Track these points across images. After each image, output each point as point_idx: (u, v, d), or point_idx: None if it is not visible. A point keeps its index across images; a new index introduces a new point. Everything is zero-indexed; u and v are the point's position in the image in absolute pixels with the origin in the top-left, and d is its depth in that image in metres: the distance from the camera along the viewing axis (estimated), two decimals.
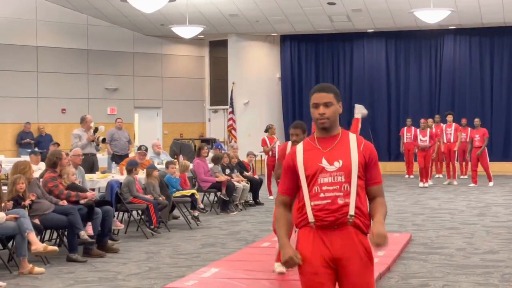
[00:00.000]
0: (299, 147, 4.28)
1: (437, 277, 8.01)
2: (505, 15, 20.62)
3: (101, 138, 14.49)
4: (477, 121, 19.15)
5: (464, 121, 20.18)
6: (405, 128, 20.60)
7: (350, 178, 4.08)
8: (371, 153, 4.20)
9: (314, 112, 4.19)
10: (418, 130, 19.08)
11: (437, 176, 20.75)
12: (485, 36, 22.57)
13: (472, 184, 18.53)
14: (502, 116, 22.18)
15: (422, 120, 18.92)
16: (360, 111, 11.07)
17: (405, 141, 20.58)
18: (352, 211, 4.06)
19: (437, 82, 23.26)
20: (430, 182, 19.09)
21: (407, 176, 20.83)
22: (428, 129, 18.61)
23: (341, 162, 4.10)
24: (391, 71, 23.52)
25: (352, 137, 4.23)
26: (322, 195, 4.08)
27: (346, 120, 18.26)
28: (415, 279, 7.88)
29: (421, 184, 18.38)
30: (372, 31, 23.00)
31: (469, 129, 19.82)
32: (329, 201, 4.06)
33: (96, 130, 14.25)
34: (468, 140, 19.96)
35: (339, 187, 4.09)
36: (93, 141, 14.04)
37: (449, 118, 19.76)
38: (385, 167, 22.24)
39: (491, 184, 18.50)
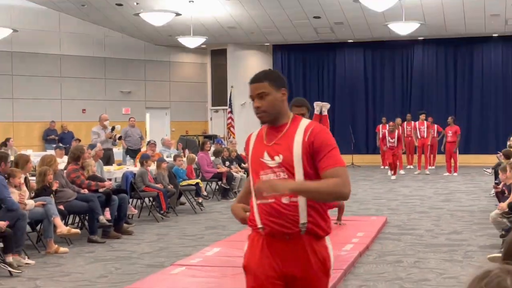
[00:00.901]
0: (253, 137, 3.49)
1: (409, 254, 8.03)
2: (467, 27, 20.65)
3: (117, 136, 14.58)
4: (450, 119, 19.19)
5: (430, 119, 20.34)
6: (381, 125, 20.60)
7: (293, 174, 3.22)
8: (316, 139, 3.24)
9: (252, 105, 3.37)
10: (386, 132, 18.76)
11: (408, 167, 20.77)
12: (449, 46, 22.61)
13: (447, 173, 18.56)
14: (463, 116, 22.21)
15: (390, 123, 18.57)
16: (326, 107, 10.79)
17: (380, 136, 20.58)
18: (303, 218, 3.19)
19: (408, 85, 23.30)
20: (402, 172, 19.12)
21: (382, 167, 20.84)
22: (396, 131, 18.30)
23: (281, 156, 3.25)
24: (369, 76, 23.54)
25: (302, 126, 3.32)
26: (265, 193, 3.19)
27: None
28: (390, 256, 7.89)
29: (392, 177, 17.90)
30: (352, 41, 22.98)
31: (436, 126, 20.04)
32: (273, 200, 3.21)
33: (113, 128, 14.38)
34: (436, 135, 20.07)
35: None
36: (110, 138, 14.18)
37: (422, 117, 19.83)
38: (363, 159, 22.33)
39: (455, 174, 18.55)
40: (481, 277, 1.43)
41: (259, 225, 3.26)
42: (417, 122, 20.10)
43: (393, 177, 17.82)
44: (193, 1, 18.31)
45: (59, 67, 20.98)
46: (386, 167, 20.76)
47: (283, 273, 3.24)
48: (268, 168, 3.27)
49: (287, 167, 3.22)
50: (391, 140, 18.22)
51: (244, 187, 3.59)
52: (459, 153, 19.57)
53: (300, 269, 3.24)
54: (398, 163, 18.45)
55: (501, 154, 13.08)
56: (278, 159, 3.25)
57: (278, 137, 3.30)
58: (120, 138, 14.92)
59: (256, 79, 3.34)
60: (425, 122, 19.78)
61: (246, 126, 22.09)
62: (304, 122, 3.33)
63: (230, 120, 23.02)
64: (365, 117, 23.32)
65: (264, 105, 3.28)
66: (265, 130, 3.40)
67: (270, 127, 3.37)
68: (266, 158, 3.28)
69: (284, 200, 3.18)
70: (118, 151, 16.15)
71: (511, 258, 2.23)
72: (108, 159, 13.77)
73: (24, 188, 8.40)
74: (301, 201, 3.19)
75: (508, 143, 15.43)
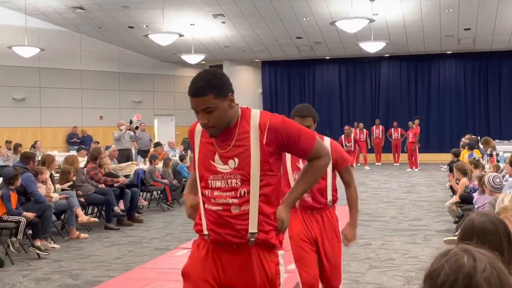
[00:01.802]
0: (199, 130, 2.68)
1: (377, 237, 8.06)
2: (425, 46, 20.71)
3: (134, 126, 15.09)
4: (410, 123, 19.34)
5: (395, 123, 20.44)
6: (352, 129, 20.68)
7: (248, 181, 2.51)
8: (280, 129, 2.53)
9: (197, 117, 2.55)
10: (343, 136, 16.38)
11: (377, 164, 20.81)
12: (410, 61, 22.62)
13: (409, 169, 18.62)
14: (423, 121, 22.20)
15: (346, 127, 16.38)
16: None
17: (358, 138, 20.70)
18: (253, 227, 2.51)
19: (376, 95, 23.30)
20: (367, 167, 19.19)
21: (354, 164, 20.83)
22: (352, 135, 16.41)
23: (236, 161, 2.52)
24: (343, 87, 23.53)
25: (254, 122, 2.56)
26: (213, 201, 2.56)
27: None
28: (361, 240, 7.88)
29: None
30: (329, 58, 22.99)
31: (399, 129, 20.14)
32: (221, 208, 2.54)
33: (131, 122, 15.03)
34: (399, 137, 20.18)
35: (234, 193, 2.52)
36: (130, 129, 14.75)
37: (416, 122, 19.65)
38: None
39: (416, 170, 18.61)
40: (443, 255, 1.44)
41: (205, 232, 2.61)
42: (392, 128, 20.35)
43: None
44: (194, 24, 18.34)
45: (80, 80, 20.91)
46: (359, 164, 20.78)
47: (223, 284, 2.60)
48: (218, 174, 2.55)
49: (243, 173, 2.52)
50: (347, 144, 16.01)
51: (191, 181, 2.85)
52: (420, 152, 19.67)
53: (242, 283, 2.58)
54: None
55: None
56: (233, 164, 2.52)
57: (231, 139, 2.55)
58: (137, 128, 15.46)
59: (198, 93, 2.46)
60: (399, 129, 19.88)
61: None
62: (256, 116, 2.58)
63: None
64: (340, 122, 23.28)
65: (212, 120, 2.49)
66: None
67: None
68: (218, 162, 2.55)
69: (234, 209, 2.52)
70: (132, 151, 16.19)
71: (467, 240, 2.27)
72: (126, 158, 13.98)
73: (49, 183, 8.38)
74: (253, 209, 2.51)
75: (460, 143, 15.49)
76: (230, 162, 2.54)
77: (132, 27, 19.02)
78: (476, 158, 10.96)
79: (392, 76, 22.99)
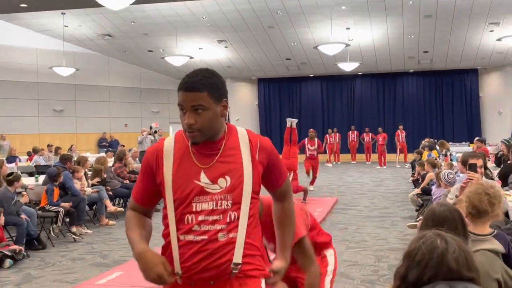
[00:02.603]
0: (169, 147, 1.85)
1: (353, 223, 8.05)
2: (392, 65, 20.75)
3: (153, 131, 15.30)
4: (380, 129, 19.56)
5: (367, 129, 20.48)
6: (327, 135, 20.88)
7: (240, 203, 1.79)
8: (270, 153, 1.90)
9: (181, 118, 1.81)
10: (306, 139, 12.15)
11: (352, 162, 20.81)
12: (379, 78, 22.63)
13: (378, 167, 18.62)
14: (389, 127, 22.23)
15: (310, 130, 12.45)
16: (294, 122, 10.49)
17: (328, 142, 20.71)
18: (238, 257, 1.78)
19: (351, 106, 23.25)
20: (329, 165, 19.16)
21: (329, 164, 20.74)
22: (316, 139, 12.17)
23: (228, 179, 1.79)
24: (324, 100, 23.49)
25: (243, 138, 1.87)
26: (196, 228, 1.77)
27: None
28: (339, 225, 7.90)
29: (310, 187, 11.95)
30: (313, 75, 22.99)
31: (370, 134, 20.21)
32: (206, 237, 1.75)
33: (151, 127, 15.28)
34: (370, 140, 20.23)
35: (222, 217, 1.78)
36: (150, 134, 14.85)
37: (400, 127, 19.64)
38: (320, 158, 22.18)
39: (385, 167, 18.62)
40: (419, 238, 1.44)
41: (177, 270, 1.79)
42: (371, 134, 20.32)
43: (311, 187, 12.07)
44: (202, 48, 18.33)
45: (108, 95, 20.88)
46: (334, 162, 20.75)
47: None
48: (207, 195, 1.77)
49: (235, 194, 1.78)
50: (310, 148, 12.04)
51: (135, 220, 1.96)
52: (388, 153, 19.68)
53: None
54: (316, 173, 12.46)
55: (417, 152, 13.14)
56: (224, 183, 1.78)
57: (215, 153, 1.81)
58: (155, 132, 15.58)
59: (193, 87, 1.77)
60: (381, 135, 19.71)
61: None
62: (243, 132, 1.89)
63: None
64: (321, 130, 23.29)
65: (200, 122, 1.76)
66: (186, 145, 1.85)
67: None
68: (205, 181, 1.77)
69: (222, 237, 1.76)
70: None
71: (429, 225, 2.27)
72: None
73: (84, 180, 8.35)
74: (240, 236, 1.78)
75: (420, 145, 15.52)
76: (221, 180, 1.78)
77: (151, 51, 19.01)
78: (434, 157, 10.97)
79: (364, 91, 23.00)
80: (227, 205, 1.79)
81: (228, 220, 1.78)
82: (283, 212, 2.02)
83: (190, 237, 1.78)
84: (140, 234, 1.90)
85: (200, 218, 1.78)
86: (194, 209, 1.79)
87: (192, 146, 1.84)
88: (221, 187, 1.79)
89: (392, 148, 21.30)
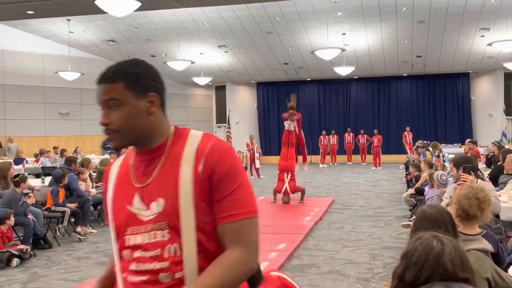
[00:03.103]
0: (114, 168, 1.48)
1: (349, 222, 8.03)
2: (386, 70, 20.76)
3: None
4: (375, 131, 19.57)
5: (362, 131, 20.51)
6: (321, 136, 20.85)
7: (178, 232, 1.28)
8: (218, 167, 1.28)
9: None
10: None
11: (348, 163, 20.80)
12: (374, 82, 22.63)
13: (374, 168, 18.62)
14: (384, 129, 22.29)
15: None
16: (292, 124, 10.08)
17: (322, 144, 20.71)
18: None
19: (347, 109, 23.25)
20: (324, 165, 19.15)
21: (321, 165, 20.64)
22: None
23: (161, 202, 1.30)
24: (321, 103, 23.48)
25: (191, 145, 1.34)
26: (133, 267, 1.31)
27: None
28: (336, 224, 7.89)
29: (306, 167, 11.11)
30: (310, 79, 23.00)
31: (365, 136, 20.21)
32: (145, 278, 1.29)
33: None
34: (365, 142, 20.23)
35: (160, 252, 1.29)
36: None
37: (407, 128, 19.66)
38: (317, 159, 22.18)
39: (379, 168, 18.61)
40: (417, 238, 1.45)
41: None
42: (366, 136, 20.30)
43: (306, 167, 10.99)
44: (203, 53, 18.34)
45: None
46: (323, 165, 20.58)
47: None
48: (141, 224, 1.32)
49: (171, 220, 1.29)
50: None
51: (109, 259, 1.50)
52: (382, 154, 19.69)
53: None
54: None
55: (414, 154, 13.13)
56: (156, 208, 1.31)
57: (154, 166, 1.35)
58: None
59: (105, 77, 1.38)
60: (376, 136, 19.68)
61: (239, 137, 22.10)
62: (195, 137, 1.38)
63: (228, 133, 22.96)
64: (318, 132, 23.31)
65: (116, 121, 1.36)
66: (133, 157, 1.42)
67: (139, 152, 1.39)
68: (138, 206, 1.33)
69: (164, 278, 1.29)
70: None
71: (420, 226, 2.28)
72: None
73: (88, 181, 8.34)
74: (190, 274, 1.27)
75: (414, 147, 15.53)
76: (153, 205, 1.31)
77: (153, 56, 19.01)
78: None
79: (360, 94, 23.00)
80: (163, 235, 1.29)
81: (167, 255, 1.28)
82: (219, 258, 1.27)
83: (131, 278, 1.32)
84: (104, 273, 1.50)
85: (136, 254, 1.32)
86: (127, 243, 1.33)
87: (135, 159, 1.39)
88: (153, 213, 1.30)
89: (386, 150, 21.33)
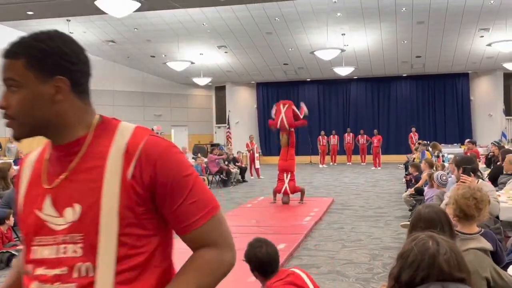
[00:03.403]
0: (28, 165, 1.18)
1: (348, 223, 8.03)
2: (385, 70, 20.77)
3: (156, 133, 15.01)
4: (375, 131, 19.57)
5: (362, 131, 20.51)
6: (320, 137, 20.76)
7: (95, 248, 1.03)
8: (159, 172, 1.07)
9: None
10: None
11: (348, 163, 20.79)
12: (374, 82, 22.63)
13: (373, 168, 18.61)
14: (384, 130, 22.27)
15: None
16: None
17: (320, 144, 20.70)
18: None
19: (346, 109, 23.26)
20: (324, 166, 19.18)
21: (320, 165, 20.65)
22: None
23: (78, 209, 1.05)
24: (321, 103, 23.47)
25: (120, 140, 1.12)
26: (34, 287, 1.06)
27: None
28: (335, 224, 7.89)
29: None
30: (309, 80, 23.00)
31: (365, 136, 20.20)
32: (54, 285, 1.03)
33: (152, 129, 14.82)
34: (365, 142, 20.23)
35: (66, 272, 1.04)
36: None
37: (413, 129, 19.61)
38: (317, 159, 22.17)
39: (379, 168, 18.61)
40: (413, 239, 1.45)
41: None
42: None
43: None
44: (202, 54, 18.34)
45: (113, 98, 20.89)
46: (323, 165, 20.57)
47: None
48: (50, 234, 1.09)
49: (87, 232, 1.06)
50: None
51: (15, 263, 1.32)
52: (382, 154, 19.70)
53: None
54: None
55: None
56: (71, 215, 1.08)
57: (70, 166, 1.11)
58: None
59: (8, 51, 1.13)
60: (372, 136, 19.66)
61: (239, 137, 22.11)
62: (125, 131, 1.18)
63: (228, 133, 22.96)
64: (318, 132, 23.30)
65: (12, 106, 1.09)
66: (48, 153, 1.18)
67: (54, 145, 1.15)
68: (48, 211, 1.10)
69: None
70: None
71: (417, 226, 2.28)
72: None
73: None
74: (104, 279, 1.05)
75: (414, 147, 15.53)
76: (68, 211, 1.08)
77: (153, 56, 19.01)
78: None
79: (359, 94, 23.00)
80: (74, 251, 1.05)
81: (75, 275, 1.05)
82: (192, 261, 1.14)
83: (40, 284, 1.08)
84: (11, 279, 1.25)
85: (38, 271, 1.08)
86: (32, 256, 1.10)
87: (51, 152, 1.15)
88: (67, 222, 1.07)
89: (386, 150, 21.33)
